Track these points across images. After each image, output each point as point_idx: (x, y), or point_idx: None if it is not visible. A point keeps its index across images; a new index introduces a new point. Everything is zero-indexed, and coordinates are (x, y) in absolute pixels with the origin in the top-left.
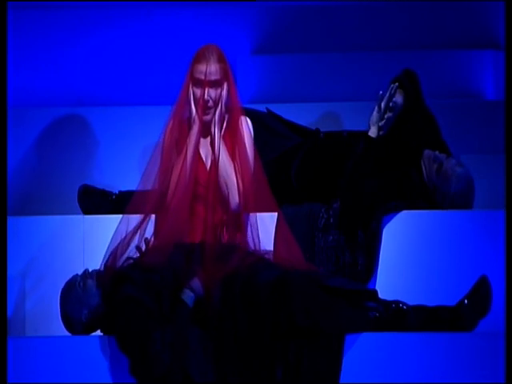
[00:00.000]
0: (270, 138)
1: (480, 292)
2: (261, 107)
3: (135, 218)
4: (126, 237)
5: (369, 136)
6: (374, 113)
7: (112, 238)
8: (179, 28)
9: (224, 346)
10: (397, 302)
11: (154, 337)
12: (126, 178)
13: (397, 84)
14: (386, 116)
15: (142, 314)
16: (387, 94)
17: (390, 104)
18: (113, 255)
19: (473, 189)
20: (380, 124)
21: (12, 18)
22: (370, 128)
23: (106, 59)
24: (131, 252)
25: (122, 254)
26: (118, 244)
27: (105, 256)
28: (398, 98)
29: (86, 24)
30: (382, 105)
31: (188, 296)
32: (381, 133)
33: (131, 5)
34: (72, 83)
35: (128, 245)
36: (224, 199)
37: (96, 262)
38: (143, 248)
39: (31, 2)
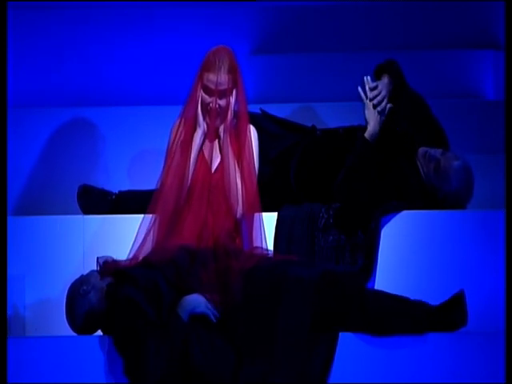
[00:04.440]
0: (266, 140)
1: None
2: (260, 107)
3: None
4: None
5: (363, 136)
6: (365, 110)
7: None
8: (179, 28)
9: (245, 339)
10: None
11: (148, 343)
12: (126, 178)
13: (367, 77)
14: (371, 95)
15: (139, 319)
16: (366, 87)
17: (372, 86)
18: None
19: (472, 177)
20: (378, 109)
21: (12, 18)
22: (367, 124)
23: (106, 59)
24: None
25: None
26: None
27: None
28: (381, 82)
29: (86, 24)
30: (369, 94)
31: (183, 310)
32: (382, 118)
33: (131, 5)
34: (72, 83)
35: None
36: (228, 203)
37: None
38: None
39: (31, 2)
